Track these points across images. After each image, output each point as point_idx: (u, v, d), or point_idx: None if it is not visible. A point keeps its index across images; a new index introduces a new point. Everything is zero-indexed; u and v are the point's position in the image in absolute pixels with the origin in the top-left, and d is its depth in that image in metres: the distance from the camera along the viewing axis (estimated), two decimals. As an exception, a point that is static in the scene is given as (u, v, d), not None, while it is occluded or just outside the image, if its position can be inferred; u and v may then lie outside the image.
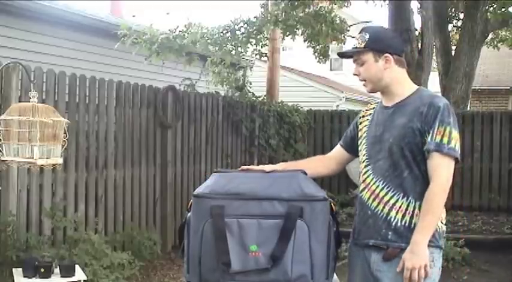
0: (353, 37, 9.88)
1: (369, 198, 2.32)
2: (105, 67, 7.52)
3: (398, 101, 2.35)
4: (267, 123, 8.78)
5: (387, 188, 2.27)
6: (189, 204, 2.11)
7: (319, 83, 14.78)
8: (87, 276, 4.26)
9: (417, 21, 7.42)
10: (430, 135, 2.21)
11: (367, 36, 2.34)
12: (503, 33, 11.03)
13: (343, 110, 10.87)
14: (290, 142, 9.55)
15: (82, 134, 5.38)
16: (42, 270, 3.94)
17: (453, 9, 10.33)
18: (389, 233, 2.25)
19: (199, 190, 2.08)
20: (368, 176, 2.34)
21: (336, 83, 16.48)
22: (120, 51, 7.25)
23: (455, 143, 2.22)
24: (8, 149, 2.53)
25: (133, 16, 16.44)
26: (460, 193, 8.92)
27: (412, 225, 2.23)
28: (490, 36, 10.56)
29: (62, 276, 4.00)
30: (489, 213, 8.55)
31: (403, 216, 2.24)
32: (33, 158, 2.50)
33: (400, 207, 2.25)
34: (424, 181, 2.24)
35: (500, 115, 9.11)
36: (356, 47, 2.37)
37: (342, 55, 2.52)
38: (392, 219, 2.25)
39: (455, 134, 2.23)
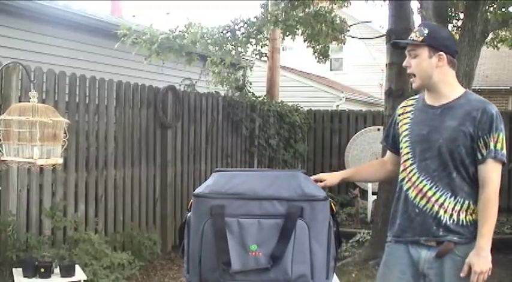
0: (353, 37, 9.90)
1: (416, 197, 2.36)
2: (105, 67, 7.52)
3: (445, 102, 2.37)
4: (267, 123, 8.78)
5: (435, 187, 2.32)
6: (189, 204, 2.11)
7: (319, 83, 14.78)
8: (87, 276, 4.26)
9: (417, 21, 7.42)
10: (487, 142, 2.28)
11: (426, 31, 2.36)
12: (503, 33, 11.02)
13: (343, 110, 10.88)
14: (290, 142, 9.56)
15: (82, 134, 5.38)
16: (42, 270, 3.95)
17: (453, 9, 10.33)
18: (440, 229, 2.31)
19: (199, 190, 2.08)
20: (414, 175, 2.37)
21: (336, 83, 16.48)
22: (120, 51, 7.25)
23: (504, 147, 2.32)
24: (8, 149, 2.53)
25: (133, 16, 16.47)
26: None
27: (460, 222, 2.30)
28: (490, 36, 10.54)
29: (62, 276, 4.01)
30: (489, 213, 8.53)
31: (451, 215, 2.31)
32: (32, 158, 2.50)
33: (448, 206, 2.31)
34: (471, 182, 2.32)
35: (501, 115, 9.10)
36: (413, 40, 2.37)
37: (396, 44, 2.52)
38: (442, 218, 2.30)
39: (504, 139, 2.31)
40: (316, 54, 10.31)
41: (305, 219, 2.00)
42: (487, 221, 2.28)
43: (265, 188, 2.04)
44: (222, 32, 7.00)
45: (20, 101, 4.54)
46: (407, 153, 2.41)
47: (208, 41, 6.85)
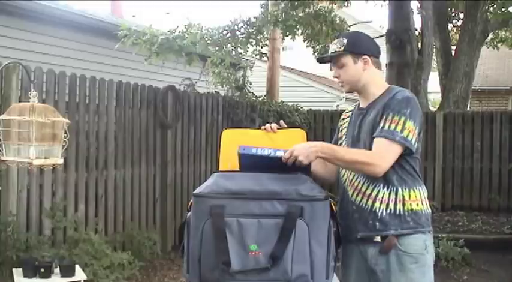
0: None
1: (353, 194, 2.40)
2: (105, 67, 7.53)
3: (370, 102, 2.45)
4: (267, 123, 8.77)
5: (367, 181, 2.35)
6: (189, 204, 2.12)
7: (319, 83, 14.78)
8: (87, 276, 4.26)
9: (417, 21, 7.43)
10: (387, 121, 2.30)
11: (345, 40, 2.45)
12: (503, 33, 11.03)
13: (343, 110, 10.86)
14: (290, 142, 9.54)
15: (82, 134, 5.38)
16: (42, 270, 3.95)
17: (453, 9, 10.34)
18: (376, 223, 2.33)
19: (199, 190, 2.08)
20: (350, 174, 2.43)
21: (336, 83, 16.45)
22: (120, 51, 7.25)
23: (408, 133, 2.29)
24: (8, 149, 2.53)
25: (134, 16, 16.46)
26: (460, 193, 8.92)
27: (397, 211, 2.32)
28: (490, 36, 10.56)
29: (62, 276, 4.01)
30: (489, 213, 8.55)
31: (387, 205, 2.32)
32: (29, 158, 2.50)
33: (382, 197, 2.33)
34: (399, 169, 2.33)
35: (500, 115, 9.11)
36: (335, 51, 2.45)
37: (321, 60, 2.60)
38: (377, 210, 2.32)
39: (411, 125, 2.29)
40: (316, 54, 10.32)
41: (305, 219, 2.00)
42: (348, 153, 2.31)
43: (265, 188, 2.04)
44: (222, 33, 7.01)
45: (20, 101, 4.54)
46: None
47: (208, 41, 6.86)
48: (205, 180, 2.16)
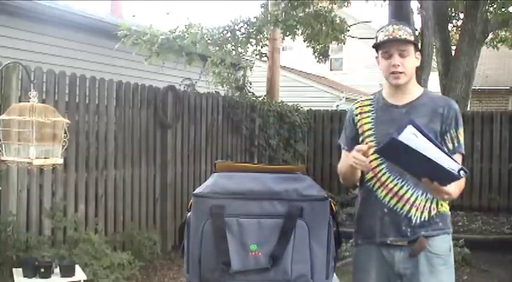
0: (353, 37, 9.89)
1: (385, 196, 2.33)
2: (105, 67, 7.53)
3: (408, 101, 2.37)
4: (267, 123, 8.78)
5: (407, 186, 2.30)
6: (189, 204, 2.11)
7: (319, 83, 14.79)
8: (87, 276, 4.26)
9: (417, 21, 7.43)
10: (453, 136, 2.32)
11: (409, 29, 2.33)
12: (503, 33, 11.03)
13: (343, 110, 10.87)
14: (290, 142, 9.55)
15: (82, 134, 5.38)
16: (42, 270, 3.94)
17: (453, 9, 10.33)
18: (408, 229, 2.30)
19: (199, 190, 2.08)
20: (383, 174, 2.34)
21: (336, 83, 16.50)
22: (120, 51, 7.25)
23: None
24: (8, 149, 2.53)
25: (134, 16, 16.47)
26: (460, 193, 8.92)
27: (429, 218, 2.30)
28: (490, 36, 10.55)
29: (62, 276, 4.00)
30: (489, 213, 8.55)
31: (422, 212, 2.31)
32: (29, 158, 2.50)
33: (419, 204, 2.30)
34: None
35: (500, 115, 9.11)
36: (406, 38, 2.31)
37: (392, 40, 2.33)
38: (412, 217, 2.29)
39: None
40: (316, 54, 10.33)
41: (305, 219, 2.00)
42: (458, 189, 2.25)
43: (265, 188, 2.04)
44: (222, 32, 7.01)
45: (20, 101, 4.54)
46: (374, 153, 2.32)
47: (208, 41, 6.86)
48: (205, 180, 2.15)
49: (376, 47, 2.37)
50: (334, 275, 2.19)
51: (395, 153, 2.06)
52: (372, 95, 2.53)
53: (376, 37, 2.37)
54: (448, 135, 2.31)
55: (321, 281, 2.03)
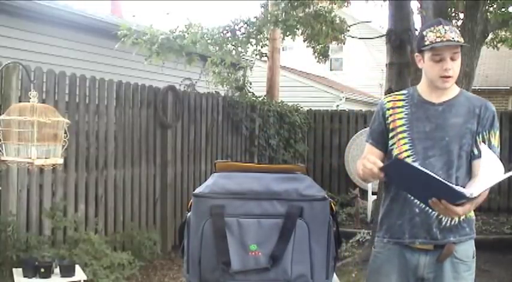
0: (353, 37, 9.89)
1: None
2: (105, 67, 7.52)
3: (446, 100, 2.32)
4: (267, 123, 8.78)
5: None
6: (189, 204, 2.11)
7: (319, 83, 14.78)
8: (87, 276, 4.26)
9: (417, 21, 7.42)
10: (486, 138, 2.29)
11: (457, 30, 2.26)
12: (503, 33, 11.02)
13: (343, 110, 10.88)
14: (290, 142, 9.56)
15: (82, 134, 5.38)
16: (42, 270, 3.94)
17: (453, 9, 10.32)
18: (438, 231, 2.26)
19: (199, 190, 2.08)
20: None
21: (336, 83, 16.49)
22: (120, 51, 7.24)
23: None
24: (8, 149, 2.53)
25: (134, 16, 16.47)
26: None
27: (457, 222, 2.26)
28: (490, 36, 10.55)
29: (62, 276, 4.00)
30: (489, 213, 8.54)
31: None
32: (31, 158, 2.50)
33: None
34: (467, 180, 2.27)
35: (500, 115, 9.10)
36: (458, 41, 2.22)
37: (447, 44, 2.23)
38: (443, 218, 2.25)
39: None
40: (316, 54, 10.31)
41: (305, 219, 2.00)
42: (481, 198, 2.17)
43: (265, 188, 2.04)
44: (222, 32, 7.00)
45: (20, 101, 4.53)
46: (407, 150, 2.30)
47: (209, 41, 6.85)
48: (205, 180, 2.15)
49: (424, 47, 2.26)
50: (334, 275, 2.19)
51: (400, 174, 2.07)
52: (405, 90, 2.44)
53: (423, 36, 2.25)
54: (480, 136, 2.28)
55: (321, 281, 2.03)
